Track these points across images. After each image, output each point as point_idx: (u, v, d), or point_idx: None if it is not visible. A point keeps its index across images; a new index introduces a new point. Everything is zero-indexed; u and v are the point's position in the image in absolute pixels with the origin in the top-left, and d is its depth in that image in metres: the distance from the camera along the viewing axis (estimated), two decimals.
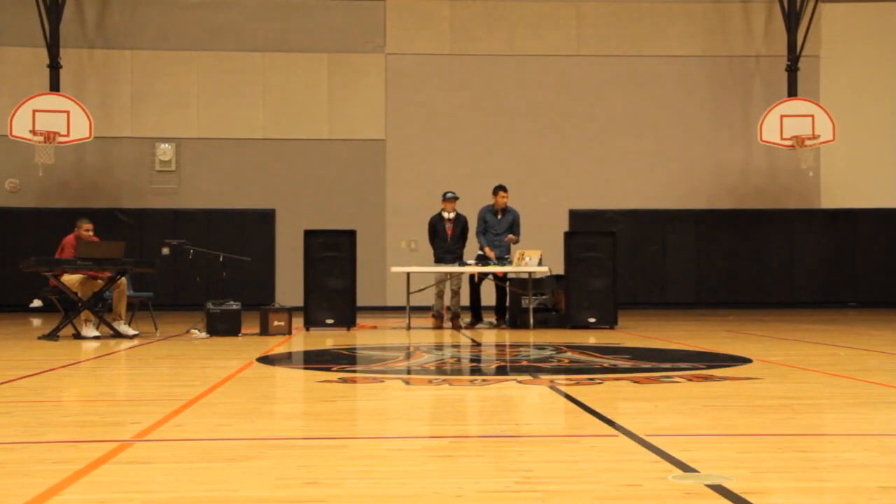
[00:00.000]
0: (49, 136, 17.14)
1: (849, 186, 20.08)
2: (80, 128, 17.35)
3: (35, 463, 3.48)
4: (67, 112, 17.31)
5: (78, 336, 10.31)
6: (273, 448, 3.79)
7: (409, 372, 6.96)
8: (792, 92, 18.82)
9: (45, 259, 10.62)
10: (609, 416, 4.53)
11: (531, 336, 10.89)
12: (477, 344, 10.10)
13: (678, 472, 3.24)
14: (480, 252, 12.75)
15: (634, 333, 11.21)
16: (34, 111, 17.17)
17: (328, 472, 3.28)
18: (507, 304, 12.91)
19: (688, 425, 4.40)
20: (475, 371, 7.30)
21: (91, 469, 3.29)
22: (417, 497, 2.92)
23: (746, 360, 7.45)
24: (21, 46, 18.85)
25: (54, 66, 17.94)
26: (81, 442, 3.91)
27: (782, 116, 18.19)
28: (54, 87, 17.83)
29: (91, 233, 10.97)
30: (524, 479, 3.16)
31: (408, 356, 8.33)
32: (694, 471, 3.25)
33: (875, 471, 3.36)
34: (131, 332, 10.58)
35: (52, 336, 10.10)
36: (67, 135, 17.29)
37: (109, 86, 19.47)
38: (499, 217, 12.86)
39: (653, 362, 7.49)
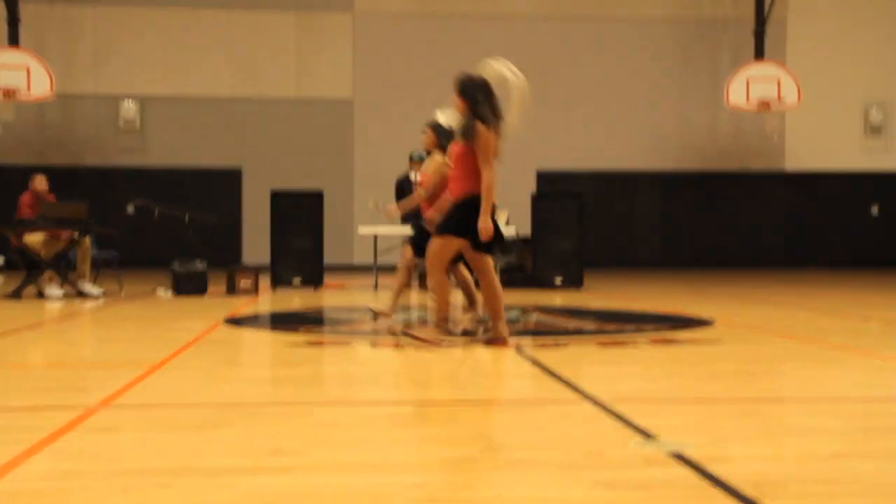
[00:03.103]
0: (8, 93, 16.83)
1: (813, 149, 20.25)
2: (40, 84, 17.03)
3: (0, 431, 3.47)
4: (27, 68, 16.99)
5: (41, 295, 10.24)
6: (239, 415, 3.81)
7: (375, 334, 6.99)
8: (759, 55, 18.88)
9: (6, 220, 10.51)
10: (573, 382, 4.59)
11: None
12: None
13: (640, 438, 3.30)
14: None
15: (600, 294, 11.31)
16: None
17: (294, 440, 3.30)
18: None
19: (650, 390, 4.47)
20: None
21: (57, 437, 3.30)
22: (382, 465, 2.96)
23: (709, 323, 7.55)
24: None
25: (13, 21, 17.57)
26: (45, 408, 3.90)
27: (748, 80, 18.24)
28: (13, 41, 17.48)
29: (45, 185, 10.83)
30: (489, 446, 3.21)
31: (374, 318, 8.35)
32: (655, 437, 3.31)
33: (830, 436, 3.44)
34: (95, 291, 10.52)
35: (15, 295, 10.02)
36: (28, 91, 16.99)
37: (70, 42, 19.14)
38: None
39: (617, 324, 7.57)
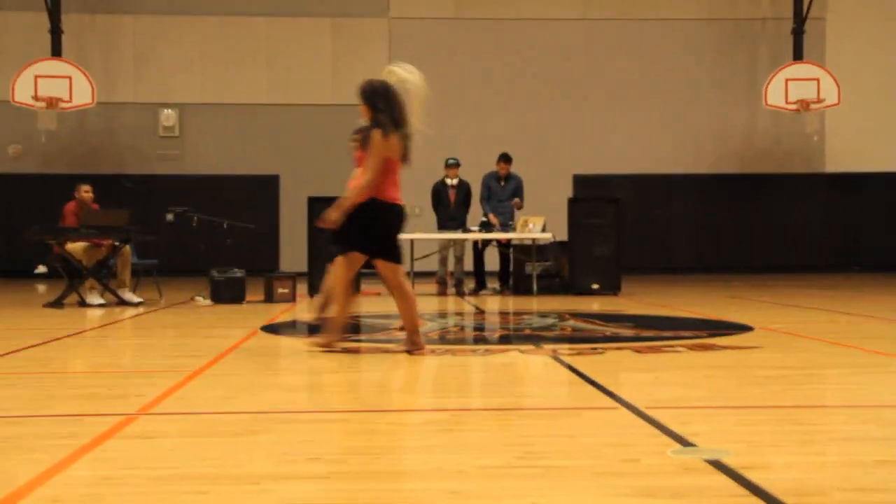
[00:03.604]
0: (51, 102, 17.09)
1: (853, 151, 19.98)
2: (82, 93, 17.29)
3: (41, 437, 3.52)
4: (70, 77, 17.24)
5: (83, 304, 10.36)
6: (277, 422, 3.84)
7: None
8: (797, 55, 18.69)
9: (49, 227, 10.66)
10: (610, 388, 4.57)
11: (534, 303, 10.92)
12: (480, 311, 10.14)
13: (677, 446, 3.28)
14: (484, 218, 12.76)
15: (638, 300, 11.24)
16: (36, 77, 17.10)
17: (331, 447, 3.32)
18: (511, 270, 12.93)
19: (688, 397, 4.43)
20: (478, 340, 7.34)
21: (97, 444, 3.34)
22: (419, 473, 2.96)
23: (748, 328, 7.48)
24: (22, 11, 18.74)
25: (56, 32, 17.85)
26: (87, 415, 3.95)
27: (787, 80, 18.07)
28: (56, 52, 17.76)
29: (91, 194, 11.00)
30: (525, 453, 3.20)
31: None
32: (692, 445, 3.29)
33: (872, 444, 3.39)
34: (136, 299, 10.63)
35: (58, 304, 10.15)
36: (70, 100, 17.23)
37: (111, 51, 19.39)
38: (502, 184, 12.86)
39: (655, 330, 7.53)
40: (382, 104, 6.01)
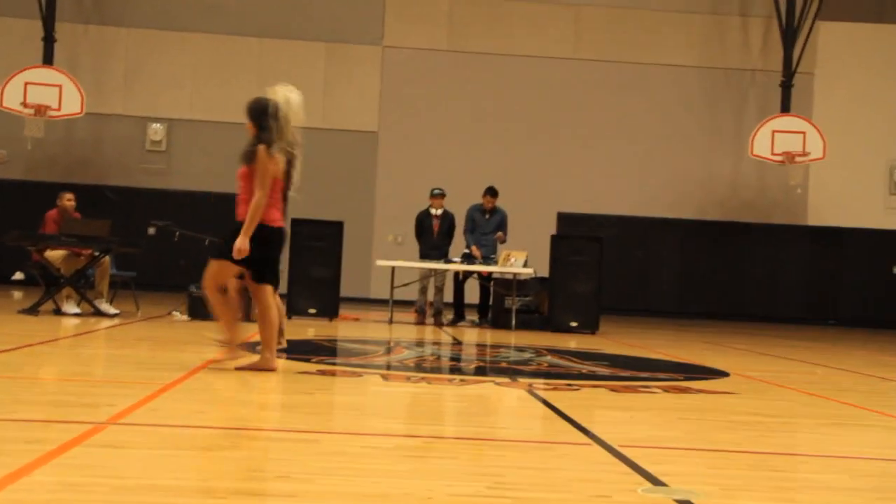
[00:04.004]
0: (40, 110, 17.02)
1: (836, 205, 20.15)
2: (71, 103, 17.24)
3: (6, 441, 3.47)
4: (60, 86, 17.19)
5: (59, 312, 10.27)
6: (247, 438, 3.80)
7: (388, 367, 6.97)
8: (785, 108, 18.87)
9: (29, 234, 10.57)
10: (584, 424, 4.55)
11: (512, 337, 10.91)
12: (458, 342, 10.11)
13: (648, 484, 3.26)
14: (466, 250, 12.76)
15: (615, 340, 11.25)
16: (26, 83, 17.04)
17: (300, 466, 3.28)
18: (491, 303, 12.92)
19: (661, 437, 4.42)
20: (454, 370, 7.32)
21: (63, 451, 3.29)
22: (387, 497, 2.93)
23: (724, 374, 7.49)
24: (15, 17, 18.71)
25: (48, 40, 17.82)
26: (55, 422, 3.90)
27: (774, 132, 18.23)
28: (47, 60, 17.72)
29: (73, 203, 10.94)
30: (495, 483, 3.18)
31: (388, 351, 8.34)
32: (663, 484, 3.27)
33: (844, 494, 3.39)
34: (112, 310, 10.55)
35: (33, 311, 10.05)
36: (59, 109, 17.17)
37: (103, 62, 19.36)
38: (487, 217, 12.88)
39: (631, 371, 7.52)
40: (266, 121, 6.00)
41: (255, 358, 6.19)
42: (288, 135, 6.09)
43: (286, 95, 6.12)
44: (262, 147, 5.96)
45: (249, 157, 6.04)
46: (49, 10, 17.83)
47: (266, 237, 5.99)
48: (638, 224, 20.00)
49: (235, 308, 6.39)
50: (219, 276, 6.04)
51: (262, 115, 6.04)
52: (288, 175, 6.21)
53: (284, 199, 6.42)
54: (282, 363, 6.97)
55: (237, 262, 5.94)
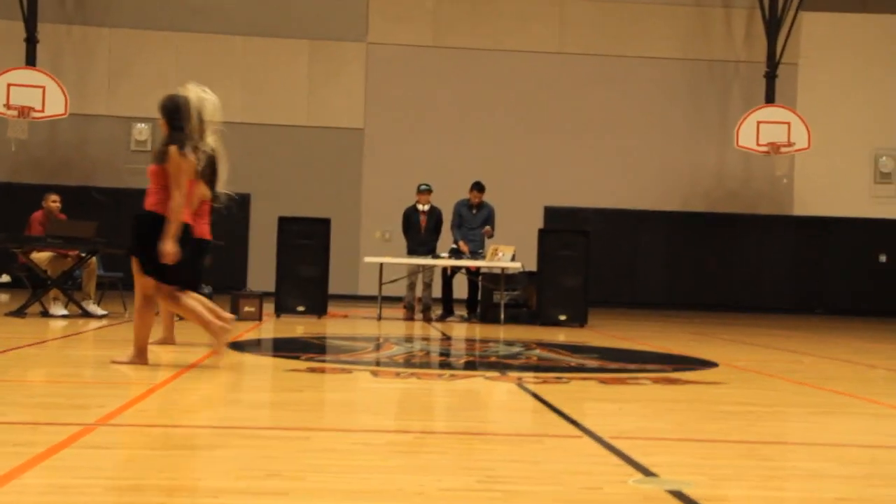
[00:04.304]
0: (23, 111, 16.95)
1: (821, 194, 20.24)
2: (55, 104, 17.17)
3: None
4: (43, 87, 17.11)
5: (46, 314, 10.23)
6: (237, 437, 3.79)
7: (377, 363, 6.97)
8: (769, 98, 18.93)
9: (14, 236, 10.52)
10: (574, 417, 4.56)
11: (501, 332, 10.92)
12: (447, 337, 10.12)
13: (639, 475, 3.27)
14: (454, 245, 12.76)
15: (604, 332, 11.27)
16: (9, 85, 16.96)
17: (291, 464, 3.28)
18: (479, 298, 12.93)
19: (651, 429, 4.43)
20: (444, 365, 7.32)
21: (52, 453, 3.27)
22: (379, 493, 2.93)
23: (712, 364, 7.51)
24: None
25: (31, 41, 17.73)
26: (43, 424, 3.88)
27: (759, 122, 18.29)
28: (30, 61, 17.63)
29: (58, 204, 10.89)
30: (486, 477, 3.18)
31: (377, 347, 8.34)
32: (654, 475, 3.28)
33: (833, 481, 3.40)
34: (100, 311, 10.50)
35: (20, 313, 10.01)
36: (42, 110, 17.10)
37: (86, 63, 19.28)
38: (474, 212, 12.88)
39: (620, 363, 7.54)
40: (178, 119, 5.99)
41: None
42: (204, 134, 6.07)
43: (199, 95, 6.11)
44: (174, 148, 5.91)
45: (161, 157, 5.99)
46: (31, 11, 17.74)
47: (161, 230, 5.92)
48: (624, 217, 20.04)
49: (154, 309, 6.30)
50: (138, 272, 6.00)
51: (175, 113, 6.02)
52: (212, 182, 6.25)
53: (211, 209, 6.45)
54: (270, 361, 6.97)
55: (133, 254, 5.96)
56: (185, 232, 5.99)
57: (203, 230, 7.50)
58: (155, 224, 5.88)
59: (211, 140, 6.27)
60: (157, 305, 6.46)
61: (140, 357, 5.97)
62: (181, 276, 6.02)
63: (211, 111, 6.13)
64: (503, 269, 12.42)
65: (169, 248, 5.80)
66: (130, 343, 6.05)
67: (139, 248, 5.98)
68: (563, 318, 12.16)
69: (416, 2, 19.97)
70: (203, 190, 6.99)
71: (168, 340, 7.33)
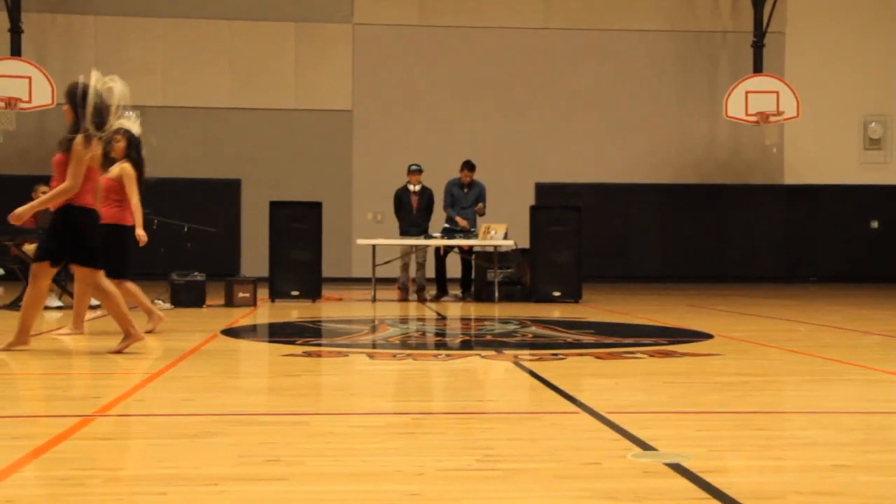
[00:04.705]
0: (10, 102, 16.85)
1: (812, 163, 20.25)
2: (42, 94, 17.07)
3: None
4: (29, 78, 17.00)
5: None
6: (236, 424, 3.80)
7: (373, 346, 6.98)
8: (757, 68, 18.91)
9: (5, 228, 10.46)
10: (571, 393, 4.58)
11: (496, 310, 10.94)
12: (442, 317, 10.13)
13: (637, 450, 3.29)
14: (447, 225, 12.76)
15: (598, 307, 11.29)
16: None
17: (290, 449, 3.29)
18: (473, 277, 12.94)
19: (648, 402, 4.45)
20: (439, 345, 7.33)
21: (52, 445, 3.28)
22: (379, 475, 2.95)
23: (708, 336, 7.54)
24: None
25: (15, 31, 17.60)
26: (42, 416, 3.89)
27: (747, 92, 18.27)
28: (15, 51, 17.51)
29: None
30: (485, 456, 3.19)
31: (373, 329, 8.35)
32: (653, 449, 3.30)
33: (830, 449, 3.43)
34: (94, 302, 10.47)
35: (14, 306, 9.99)
36: (29, 101, 17.01)
37: (72, 52, 19.15)
38: (465, 191, 12.87)
39: (615, 337, 7.56)
40: (82, 107, 6.00)
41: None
42: (106, 121, 6.06)
43: (106, 82, 6.10)
44: (79, 138, 5.93)
45: (66, 146, 5.99)
46: (14, 0, 17.60)
47: (84, 221, 6.04)
48: (616, 191, 20.04)
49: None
50: (45, 279, 6.14)
51: (82, 100, 6.01)
52: (138, 163, 6.38)
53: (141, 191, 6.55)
54: (266, 346, 6.98)
55: (62, 259, 6.07)
56: (91, 218, 6.05)
57: (113, 215, 7.42)
58: (71, 216, 5.99)
59: (134, 126, 6.31)
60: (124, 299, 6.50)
61: (133, 328, 6.04)
62: (95, 261, 6.09)
63: (118, 97, 6.10)
64: (496, 247, 12.43)
65: (20, 211, 5.99)
66: (121, 333, 6.05)
67: (66, 246, 6.05)
68: (557, 294, 12.18)
69: None
70: (125, 172, 7.28)
71: (79, 329, 7.36)
